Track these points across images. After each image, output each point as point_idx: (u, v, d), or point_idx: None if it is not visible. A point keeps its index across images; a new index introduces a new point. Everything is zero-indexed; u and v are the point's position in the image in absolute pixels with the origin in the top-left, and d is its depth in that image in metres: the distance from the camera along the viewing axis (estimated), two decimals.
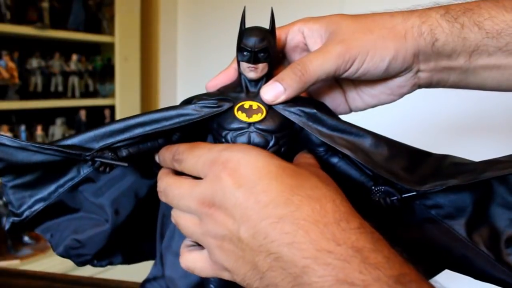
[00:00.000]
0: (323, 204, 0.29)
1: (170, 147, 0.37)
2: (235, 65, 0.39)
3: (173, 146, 0.37)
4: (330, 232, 0.28)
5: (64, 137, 0.38)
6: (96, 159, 0.36)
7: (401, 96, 0.42)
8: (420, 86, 0.41)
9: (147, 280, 0.46)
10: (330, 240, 0.27)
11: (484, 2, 0.37)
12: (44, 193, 0.40)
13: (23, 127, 1.66)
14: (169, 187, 0.35)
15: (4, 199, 0.40)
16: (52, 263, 1.51)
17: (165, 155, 0.38)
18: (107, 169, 0.37)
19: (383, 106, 0.44)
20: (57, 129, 1.77)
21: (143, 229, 0.46)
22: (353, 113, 0.45)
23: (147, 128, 0.37)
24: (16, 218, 0.40)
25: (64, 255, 0.43)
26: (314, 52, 0.37)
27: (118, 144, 0.37)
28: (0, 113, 1.59)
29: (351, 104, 0.44)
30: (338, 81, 0.44)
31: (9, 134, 1.57)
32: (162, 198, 0.37)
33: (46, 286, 0.61)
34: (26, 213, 0.40)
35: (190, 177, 0.35)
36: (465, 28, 0.37)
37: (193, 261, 0.35)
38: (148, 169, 0.42)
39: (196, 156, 0.34)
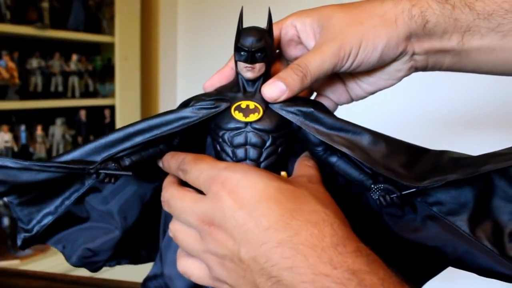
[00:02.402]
0: (321, 228, 0.30)
1: (176, 154, 0.38)
2: (231, 64, 0.40)
3: (179, 154, 0.37)
4: (327, 256, 0.29)
5: (64, 152, 0.38)
6: (100, 171, 0.36)
7: (399, 79, 0.42)
8: (416, 69, 0.41)
9: (147, 279, 0.47)
10: (327, 264, 0.28)
11: None
12: (51, 207, 0.40)
13: (23, 127, 1.66)
14: (172, 199, 0.36)
15: (14, 216, 0.41)
16: (52, 263, 1.51)
17: (170, 163, 0.38)
18: (112, 180, 0.37)
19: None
20: (57, 129, 1.77)
21: (149, 230, 0.47)
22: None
23: (147, 135, 0.37)
24: (27, 234, 0.40)
25: (78, 264, 0.44)
26: (312, 52, 0.38)
27: (120, 154, 0.37)
28: (0, 113, 1.59)
29: (351, 93, 0.44)
30: (337, 73, 0.44)
31: (9, 134, 1.58)
32: (165, 208, 0.37)
33: (46, 286, 0.61)
34: (36, 228, 0.40)
35: (195, 189, 0.36)
36: (456, 9, 0.37)
37: (191, 268, 0.36)
38: (150, 173, 0.43)
39: (199, 170, 0.35)
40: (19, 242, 0.41)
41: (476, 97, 1.20)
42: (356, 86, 0.44)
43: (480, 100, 1.20)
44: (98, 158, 0.37)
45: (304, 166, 0.38)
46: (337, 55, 0.37)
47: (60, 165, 0.36)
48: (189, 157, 0.36)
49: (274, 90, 0.36)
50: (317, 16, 0.39)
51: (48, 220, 0.40)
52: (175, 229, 0.36)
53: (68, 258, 0.44)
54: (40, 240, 0.42)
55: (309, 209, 0.31)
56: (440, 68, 0.41)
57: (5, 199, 0.39)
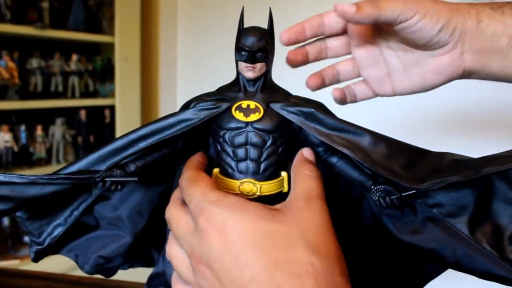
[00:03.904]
0: (304, 281, 0.29)
1: (187, 163, 0.38)
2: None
3: (186, 165, 0.37)
4: None
5: (69, 163, 0.38)
6: (106, 179, 0.36)
7: (447, 77, 0.44)
8: (464, 70, 0.44)
9: (151, 277, 0.47)
10: None
11: None
12: (60, 218, 0.40)
13: (23, 127, 1.66)
14: (171, 220, 0.36)
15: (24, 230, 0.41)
16: (52, 263, 1.50)
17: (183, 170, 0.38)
18: (119, 187, 0.37)
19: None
20: (57, 129, 1.76)
21: (159, 233, 0.47)
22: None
23: (150, 140, 0.37)
24: (39, 247, 0.40)
25: (92, 272, 0.44)
26: None
27: (125, 160, 0.37)
28: (0, 113, 1.59)
29: (397, 86, 0.47)
30: (386, 62, 0.47)
31: (9, 134, 1.57)
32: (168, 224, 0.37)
33: (46, 286, 0.61)
34: (48, 240, 0.40)
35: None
36: (505, 15, 0.41)
37: None
38: (157, 177, 0.43)
39: (191, 194, 0.34)
40: (32, 256, 0.41)
41: (479, 98, 1.20)
42: (404, 78, 0.46)
43: (483, 102, 1.20)
44: (103, 166, 0.37)
45: (302, 177, 0.35)
46: (407, 6, 0.40)
47: (66, 176, 0.36)
48: (187, 175, 0.36)
49: (346, 6, 0.39)
50: None
51: (59, 231, 0.40)
52: (172, 254, 0.36)
53: (81, 267, 0.44)
54: (52, 252, 0.42)
55: (294, 258, 0.29)
56: (488, 74, 0.44)
57: (16, 214, 0.39)
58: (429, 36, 0.41)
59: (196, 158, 0.38)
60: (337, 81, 0.50)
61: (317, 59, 0.49)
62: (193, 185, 0.34)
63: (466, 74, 0.44)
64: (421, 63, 0.45)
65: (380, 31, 0.46)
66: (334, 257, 0.31)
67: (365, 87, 0.49)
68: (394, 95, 0.47)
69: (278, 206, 0.34)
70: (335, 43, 0.48)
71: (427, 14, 0.40)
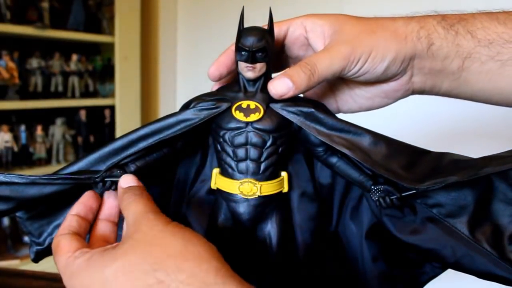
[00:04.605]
0: None
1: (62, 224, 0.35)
2: (233, 47, 0.39)
3: (59, 230, 0.35)
4: None
5: (69, 163, 0.38)
6: (106, 179, 0.36)
7: (395, 100, 0.43)
8: (414, 91, 0.42)
9: None
10: None
11: (479, 13, 0.39)
12: (61, 218, 0.40)
13: (23, 127, 1.66)
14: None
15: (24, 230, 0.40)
16: (52, 263, 1.50)
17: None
18: None
19: (381, 110, 0.44)
20: (57, 129, 1.77)
21: None
22: (350, 114, 0.45)
23: (150, 140, 0.37)
24: (39, 247, 0.40)
25: None
26: (322, 52, 0.38)
27: (125, 161, 0.37)
28: (0, 113, 1.59)
29: (342, 107, 0.44)
30: (330, 84, 0.44)
31: (9, 134, 1.57)
32: None
33: (46, 286, 0.61)
34: (48, 241, 0.40)
35: None
36: (459, 35, 0.38)
37: None
38: (156, 177, 0.43)
39: (56, 263, 0.33)
40: (32, 256, 0.41)
41: (480, 107, 1.20)
42: (351, 100, 0.44)
43: (485, 111, 1.20)
44: (103, 167, 0.37)
45: (123, 208, 0.34)
46: (347, 58, 0.37)
47: (66, 176, 0.36)
48: (53, 242, 0.34)
49: (281, 86, 0.35)
50: (330, 20, 0.40)
51: None
52: None
53: None
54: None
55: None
56: (438, 92, 0.42)
57: (16, 215, 0.39)
58: (375, 77, 0.39)
59: (70, 218, 0.36)
60: None
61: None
62: (55, 254, 0.34)
63: (416, 93, 0.42)
64: (369, 89, 0.42)
65: None
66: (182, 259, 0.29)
67: None
68: (339, 112, 0.45)
69: (114, 244, 0.32)
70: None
71: (370, 57, 0.37)
